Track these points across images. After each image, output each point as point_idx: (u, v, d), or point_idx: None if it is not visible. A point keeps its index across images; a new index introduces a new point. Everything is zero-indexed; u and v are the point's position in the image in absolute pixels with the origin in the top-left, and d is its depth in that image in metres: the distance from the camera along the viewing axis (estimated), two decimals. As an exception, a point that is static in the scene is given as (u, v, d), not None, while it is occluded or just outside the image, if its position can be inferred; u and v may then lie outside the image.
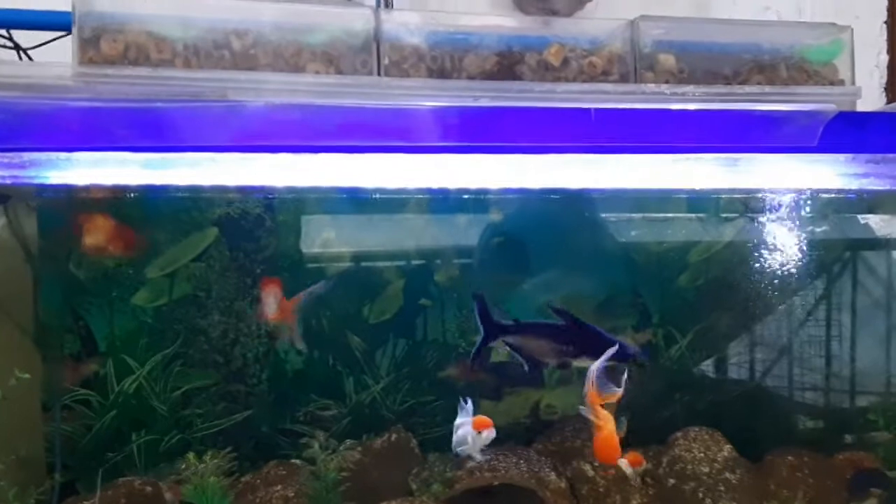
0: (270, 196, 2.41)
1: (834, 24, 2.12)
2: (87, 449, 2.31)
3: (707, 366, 2.72)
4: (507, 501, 2.22)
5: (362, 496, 2.19)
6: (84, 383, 2.35)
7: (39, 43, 2.40)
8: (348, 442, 2.21)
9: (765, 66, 2.06)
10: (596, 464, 2.30)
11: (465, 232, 2.60)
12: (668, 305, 2.67)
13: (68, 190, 1.90)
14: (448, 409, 2.21)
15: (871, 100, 3.04)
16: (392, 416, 2.49)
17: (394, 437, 2.38)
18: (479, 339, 2.14)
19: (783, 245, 2.40)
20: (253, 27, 1.83)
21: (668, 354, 2.64)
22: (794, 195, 2.31)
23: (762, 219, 2.40)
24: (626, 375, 1.89)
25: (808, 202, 2.36)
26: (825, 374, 2.80)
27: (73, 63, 1.74)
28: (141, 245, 2.35)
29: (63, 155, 1.65)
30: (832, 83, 2.09)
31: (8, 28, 2.30)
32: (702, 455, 2.36)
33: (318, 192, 2.39)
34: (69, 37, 1.78)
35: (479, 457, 1.94)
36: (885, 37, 3.15)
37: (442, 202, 2.52)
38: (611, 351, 1.93)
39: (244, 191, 2.35)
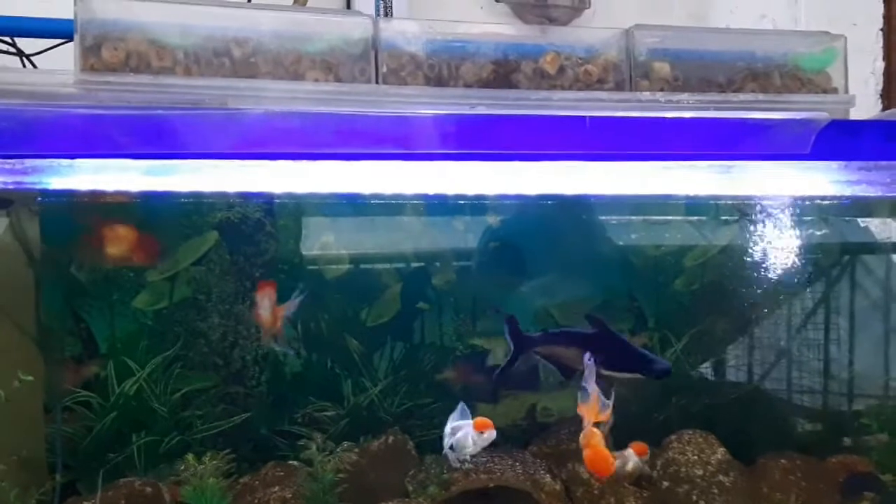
0: (270, 201, 2.43)
1: (827, 33, 2.15)
2: (88, 450, 2.33)
3: (702, 369, 2.74)
4: (502, 503, 2.24)
5: (359, 497, 2.21)
6: (85, 385, 2.37)
7: (42, 49, 2.43)
8: (345, 444, 2.23)
9: (759, 74, 2.09)
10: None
11: (463, 237, 2.63)
12: (663, 309, 2.70)
13: (71, 195, 1.92)
14: (445, 412, 2.24)
15: (867, 106, 3.07)
16: (389, 419, 2.52)
17: (391, 439, 2.40)
18: (509, 355, 2.14)
19: (776, 250, 2.43)
20: (253, 35, 1.86)
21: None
22: (786, 201, 2.33)
23: (756, 224, 2.42)
24: (613, 394, 1.92)
25: (801, 208, 2.39)
26: (819, 377, 2.82)
27: (75, 70, 1.77)
28: (163, 253, 2.38)
29: (65, 161, 1.67)
30: (825, 91, 2.12)
31: (11, 35, 2.33)
32: (695, 458, 2.38)
33: (317, 197, 2.42)
34: (71, 43, 1.81)
35: (467, 457, 1.96)
36: (881, 44, 3.18)
37: (439, 208, 2.55)
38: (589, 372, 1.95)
39: (244, 197, 2.38)
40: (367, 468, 2.29)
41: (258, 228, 2.46)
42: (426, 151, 1.76)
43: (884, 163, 1.90)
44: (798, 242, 2.41)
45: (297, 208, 2.50)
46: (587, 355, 1.94)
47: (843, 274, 2.82)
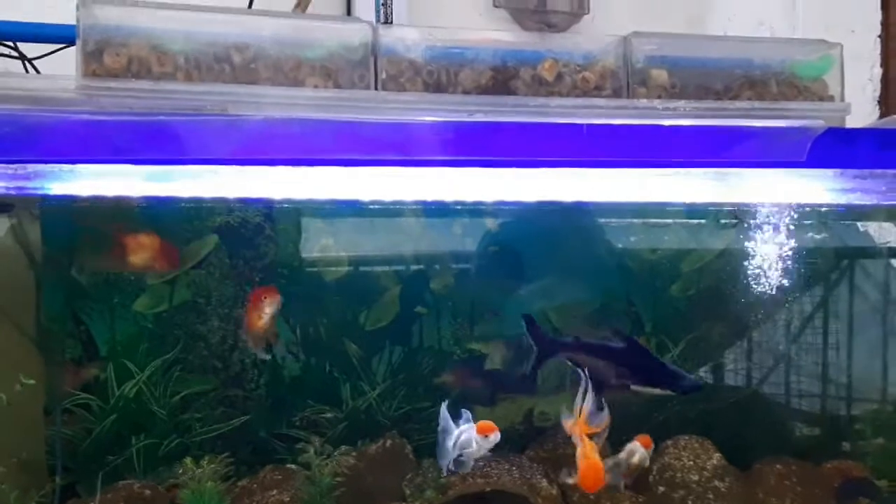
0: (270, 205, 2.45)
1: (824, 41, 2.16)
2: (88, 452, 2.34)
3: (699, 374, 2.76)
4: (499, 507, 2.26)
5: (357, 501, 2.23)
6: (85, 387, 2.38)
7: (44, 53, 2.44)
8: (343, 448, 2.24)
9: (755, 82, 2.10)
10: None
11: (461, 241, 2.65)
12: (660, 314, 2.71)
13: (72, 199, 1.93)
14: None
15: (865, 112, 3.08)
16: (387, 422, 2.53)
17: (388, 442, 2.41)
18: (533, 356, 2.14)
19: (772, 256, 2.44)
20: (253, 41, 1.86)
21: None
22: (782, 208, 2.34)
23: (752, 231, 2.43)
24: (606, 405, 1.93)
25: (797, 214, 2.40)
26: (816, 382, 2.83)
27: (77, 76, 1.78)
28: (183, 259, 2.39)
29: (66, 166, 1.68)
30: (822, 99, 2.12)
31: (14, 41, 2.34)
32: (691, 463, 2.39)
33: (317, 202, 2.43)
34: (73, 47, 1.82)
35: (471, 461, 1.96)
36: (878, 50, 3.19)
37: (438, 213, 2.57)
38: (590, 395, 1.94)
39: (245, 202, 2.39)
40: (365, 472, 2.31)
41: (258, 232, 2.48)
42: (425, 158, 1.77)
43: (879, 171, 1.92)
44: (794, 248, 2.42)
45: (296, 212, 2.51)
46: (581, 370, 1.95)
47: (840, 279, 2.83)
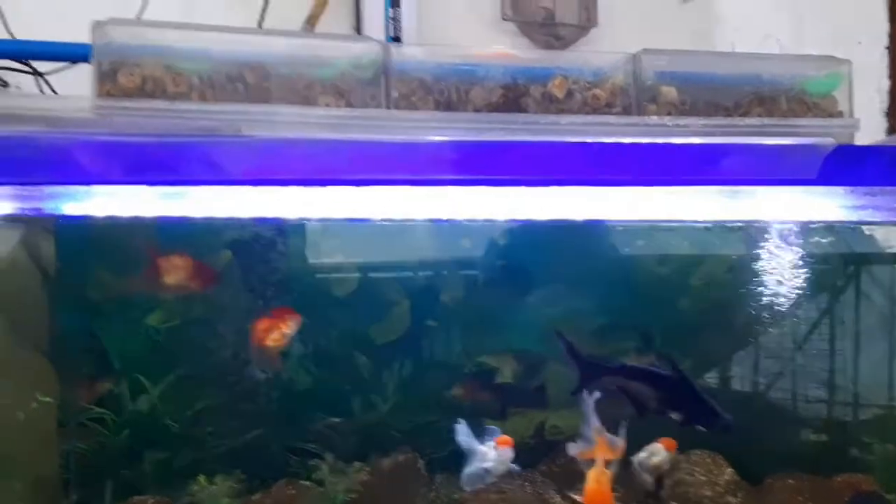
0: (282, 222, 2.46)
1: (833, 57, 2.16)
2: (101, 467, 2.35)
3: (709, 387, 2.76)
4: (512, 523, 2.26)
5: (370, 517, 2.24)
6: (98, 402, 2.39)
7: (57, 69, 2.47)
8: (356, 464, 2.24)
9: (765, 98, 2.10)
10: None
11: (471, 257, 2.66)
12: (668, 328, 2.71)
13: (87, 218, 1.94)
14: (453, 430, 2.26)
15: (872, 125, 3.09)
16: (398, 436, 2.53)
17: (401, 457, 2.42)
18: (577, 377, 2.13)
19: (781, 272, 2.44)
20: (266, 61, 1.87)
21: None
22: (792, 225, 2.35)
23: (761, 247, 2.44)
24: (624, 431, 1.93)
25: (807, 231, 2.41)
26: (824, 396, 2.84)
27: (92, 95, 1.79)
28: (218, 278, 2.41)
29: (82, 188, 1.70)
30: (831, 115, 2.12)
31: (28, 59, 2.36)
32: (703, 478, 2.40)
33: (329, 219, 2.44)
34: (86, 63, 1.83)
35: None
36: (886, 63, 3.19)
37: (448, 230, 2.57)
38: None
39: (258, 221, 2.40)
40: (378, 487, 2.31)
41: (270, 247, 2.49)
42: (436, 177, 1.78)
43: (889, 188, 1.92)
44: (803, 265, 2.43)
45: (308, 228, 2.52)
46: (586, 393, 1.95)
47: (844, 295, 2.84)
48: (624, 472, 2.14)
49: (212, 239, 2.45)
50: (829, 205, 2.05)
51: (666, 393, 2.06)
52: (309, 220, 2.45)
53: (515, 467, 2.00)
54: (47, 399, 2.07)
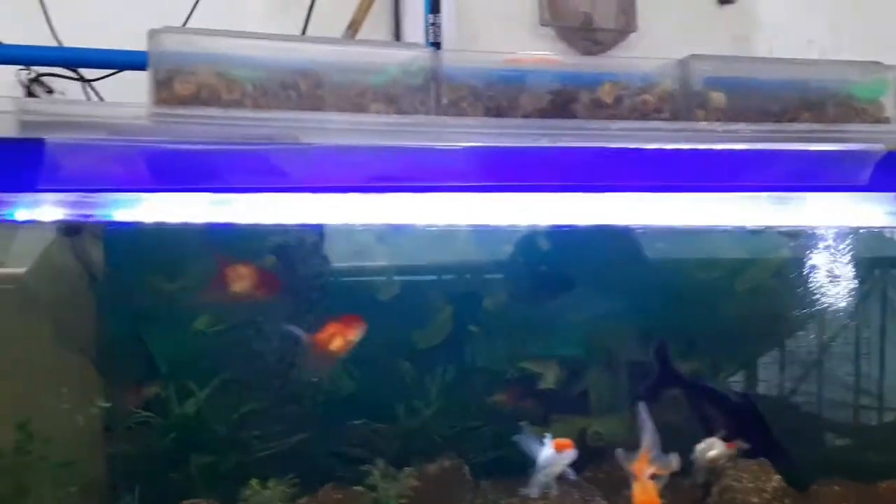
0: (326, 227, 2.47)
1: (879, 63, 2.15)
2: (149, 470, 2.37)
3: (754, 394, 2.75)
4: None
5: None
6: (145, 406, 2.41)
7: (102, 76, 2.49)
8: (406, 469, 2.25)
9: (812, 104, 2.09)
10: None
11: (513, 262, 2.66)
12: (713, 335, 2.70)
13: (138, 224, 1.96)
14: (496, 435, 2.27)
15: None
16: (441, 441, 2.54)
17: (447, 463, 2.43)
18: (652, 378, 2.13)
19: (829, 279, 2.44)
20: (317, 68, 1.88)
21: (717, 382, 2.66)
22: (841, 231, 2.34)
23: (809, 253, 2.43)
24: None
25: (856, 238, 2.40)
26: (866, 401, 2.82)
27: (148, 103, 1.81)
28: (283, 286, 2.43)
29: (135, 195, 1.72)
30: (878, 121, 2.12)
31: (77, 66, 2.39)
32: (751, 485, 2.38)
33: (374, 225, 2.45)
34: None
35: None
36: (924, 68, 3.17)
37: (491, 235, 2.58)
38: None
39: (306, 227, 2.42)
40: (424, 493, 2.32)
41: (314, 252, 2.50)
42: (486, 184, 1.79)
43: (939, 194, 1.92)
44: (852, 271, 2.42)
45: (352, 233, 2.54)
46: (641, 405, 1.96)
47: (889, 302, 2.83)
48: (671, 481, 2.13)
49: (256, 244, 2.46)
50: (877, 211, 2.04)
51: (736, 420, 2.07)
52: (352, 225, 2.45)
53: (571, 472, 2.00)
54: (99, 404, 2.08)
